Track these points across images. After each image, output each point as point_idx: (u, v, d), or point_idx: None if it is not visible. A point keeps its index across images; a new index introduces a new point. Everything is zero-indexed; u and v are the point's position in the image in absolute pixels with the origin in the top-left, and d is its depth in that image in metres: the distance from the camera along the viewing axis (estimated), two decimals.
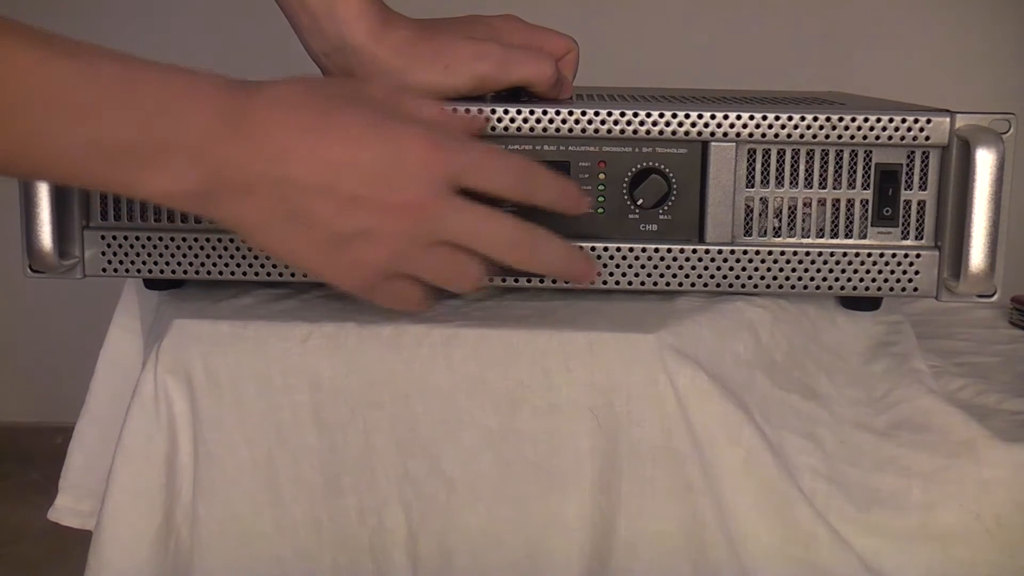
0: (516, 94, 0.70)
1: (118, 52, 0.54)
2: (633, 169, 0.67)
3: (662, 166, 0.67)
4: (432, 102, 0.63)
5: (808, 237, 0.68)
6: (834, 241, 0.68)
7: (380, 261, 0.58)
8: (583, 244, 0.67)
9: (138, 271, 0.69)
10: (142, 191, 0.55)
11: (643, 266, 0.68)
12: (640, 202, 0.67)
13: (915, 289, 0.68)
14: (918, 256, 0.67)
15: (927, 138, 0.66)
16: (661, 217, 0.68)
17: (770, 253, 0.68)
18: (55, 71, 0.51)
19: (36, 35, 0.51)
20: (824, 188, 0.67)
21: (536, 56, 0.69)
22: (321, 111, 0.57)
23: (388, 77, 0.67)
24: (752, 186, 0.67)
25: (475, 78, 0.68)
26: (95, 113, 0.52)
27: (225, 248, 0.68)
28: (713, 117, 0.66)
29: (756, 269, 0.68)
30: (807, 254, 0.68)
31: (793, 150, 0.67)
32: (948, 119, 0.66)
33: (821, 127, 0.66)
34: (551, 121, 0.66)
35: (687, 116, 0.66)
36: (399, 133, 0.57)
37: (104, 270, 0.69)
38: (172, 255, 0.68)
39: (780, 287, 0.68)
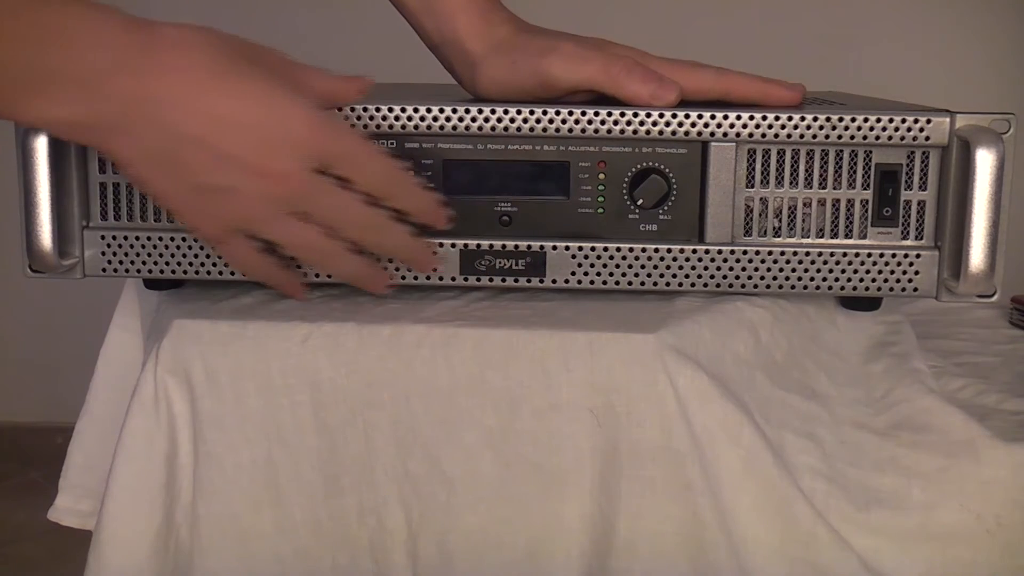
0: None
1: None
2: (633, 169, 0.67)
3: (662, 166, 0.67)
4: (327, 75, 0.64)
5: (808, 237, 0.68)
6: (834, 241, 0.68)
7: (236, 217, 0.61)
8: (583, 244, 0.67)
9: (138, 271, 0.69)
10: (28, 115, 0.57)
11: (643, 266, 0.68)
12: (640, 202, 0.67)
13: (915, 289, 0.68)
14: (918, 256, 0.67)
15: (927, 138, 0.66)
16: (661, 217, 0.68)
17: (770, 253, 0.68)
18: None
19: None
20: (824, 188, 0.67)
21: (645, 75, 0.67)
22: (216, 64, 0.58)
23: (485, 73, 0.69)
24: (752, 186, 0.67)
25: (580, 78, 0.68)
26: None
27: None
28: (713, 117, 0.66)
29: (756, 269, 0.68)
30: (807, 254, 0.68)
31: (793, 150, 0.67)
32: (948, 119, 0.66)
33: (821, 127, 0.66)
34: (551, 121, 0.66)
35: (687, 116, 0.66)
36: (287, 104, 0.59)
37: (104, 270, 0.69)
38: (172, 255, 0.68)
39: (780, 287, 0.68)
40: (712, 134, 0.66)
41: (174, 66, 0.58)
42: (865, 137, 0.66)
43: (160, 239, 0.68)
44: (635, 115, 0.66)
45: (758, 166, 0.67)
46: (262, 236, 0.62)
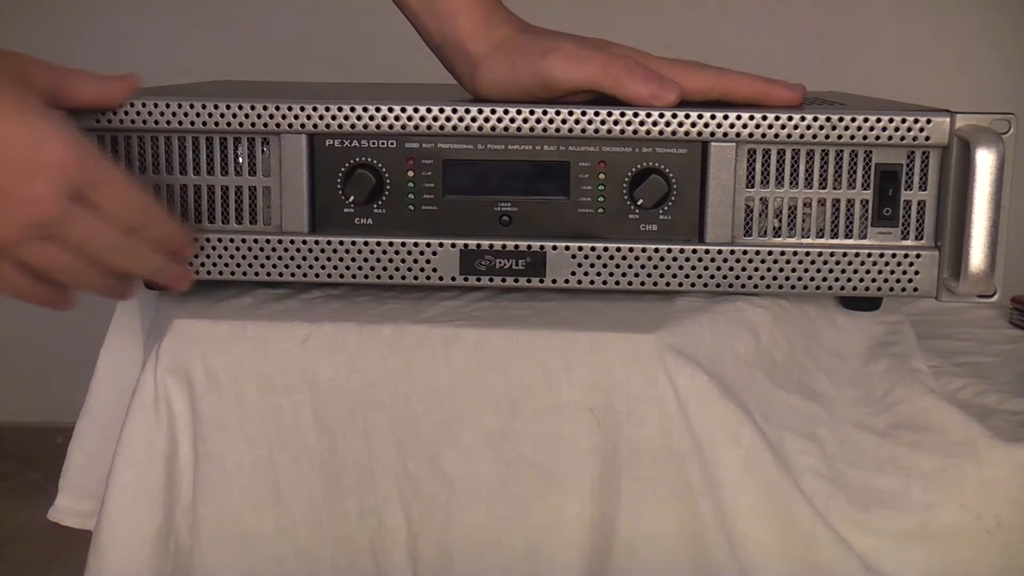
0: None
1: None
2: (633, 169, 0.67)
3: (662, 166, 0.67)
4: (93, 78, 0.64)
5: (808, 237, 0.68)
6: (834, 241, 0.68)
7: (9, 241, 0.59)
8: (583, 244, 0.67)
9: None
10: None
11: (643, 266, 0.68)
12: (640, 202, 0.67)
13: (915, 289, 0.68)
14: (918, 256, 0.68)
15: (927, 138, 0.66)
16: (661, 217, 0.68)
17: (770, 253, 0.68)
18: None
19: None
20: (824, 188, 0.67)
21: (646, 75, 0.67)
22: None
23: (485, 73, 0.69)
24: (752, 186, 0.67)
25: (581, 78, 0.67)
26: None
27: (225, 248, 0.68)
28: (713, 117, 0.66)
29: (756, 269, 0.68)
30: (807, 254, 0.68)
31: (793, 150, 0.67)
32: (948, 119, 0.66)
33: (821, 127, 0.66)
34: (551, 121, 0.66)
35: (687, 116, 0.66)
36: (46, 129, 0.58)
37: None
38: None
39: (780, 287, 0.68)
40: (712, 134, 0.66)
41: None
42: (865, 137, 0.66)
43: None
44: (635, 115, 0.66)
45: (758, 166, 0.67)
46: (18, 259, 0.61)
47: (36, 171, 0.57)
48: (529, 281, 0.68)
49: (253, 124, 0.67)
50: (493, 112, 0.66)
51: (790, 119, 0.66)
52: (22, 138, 0.57)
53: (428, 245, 0.68)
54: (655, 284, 0.68)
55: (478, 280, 0.68)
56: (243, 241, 0.68)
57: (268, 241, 0.68)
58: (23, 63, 0.60)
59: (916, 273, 0.68)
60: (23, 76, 0.60)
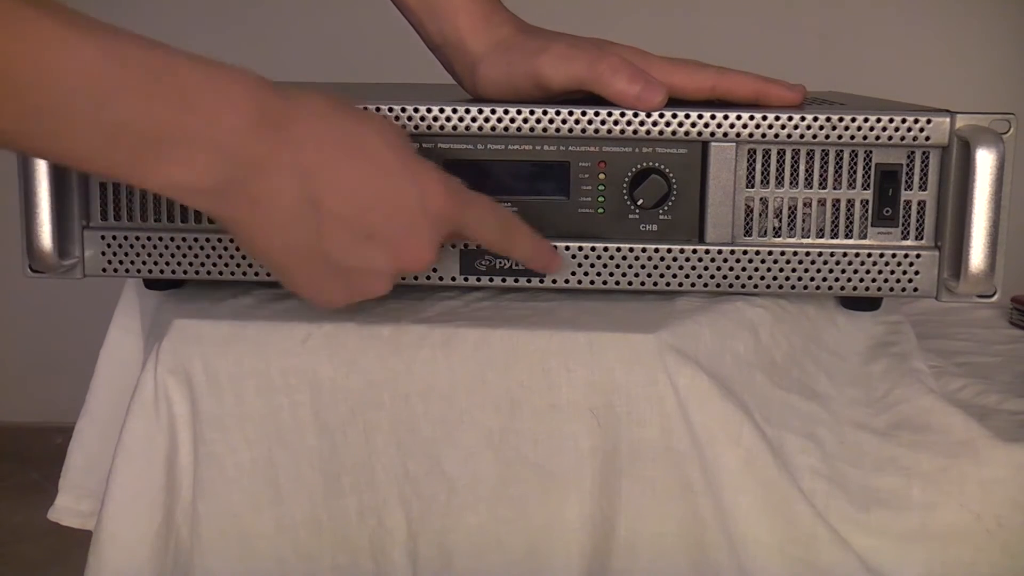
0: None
1: (150, 39, 0.53)
2: (633, 169, 0.67)
3: (662, 166, 0.67)
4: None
5: (808, 237, 0.68)
6: (834, 241, 0.68)
7: (362, 293, 0.60)
8: (583, 244, 0.67)
9: (138, 271, 0.69)
10: (155, 182, 0.53)
11: (643, 266, 0.68)
12: (640, 202, 0.67)
13: (915, 289, 0.68)
14: (918, 256, 0.67)
15: (927, 138, 0.66)
16: (661, 217, 0.68)
17: (770, 253, 0.68)
18: (81, 50, 0.50)
19: (64, 11, 0.50)
20: (824, 188, 0.67)
21: (633, 75, 0.66)
22: (354, 134, 0.57)
23: (483, 73, 0.69)
24: (752, 186, 0.67)
25: (568, 77, 0.67)
26: (120, 98, 0.51)
27: (225, 248, 0.68)
28: (713, 117, 0.66)
29: (756, 269, 0.68)
30: (807, 254, 0.68)
31: (793, 150, 0.67)
32: (948, 119, 0.66)
33: (821, 127, 0.66)
34: (551, 121, 0.66)
35: (687, 116, 0.66)
36: (423, 177, 0.58)
37: (104, 270, 0.69)
38: (172, 255, 0.68)
39: (780, 287, 0.68)
40: (712, 134, 0.66)
41: (317, 137, 0.55)
42: (865, 137, 0.66)
43: (160, 239, 0.68)
44: (635, 115, 0.66)
45: (758, 166, 0.67)
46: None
47: (420, 223, 0.58)
48: (529, 281, 0.68)
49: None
50: (493, 112, 0.66)
51: (790, 119, 0.66)
52: (405, 192, 0.57)
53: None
54: (655, 284, 0.68)
55: (478, 280, 0.68)
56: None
57: None
58: (376, 116, 0.60)
59: (916, 273, 0.68)
60: (387, 126, 0.59)
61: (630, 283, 0.68)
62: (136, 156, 0.52)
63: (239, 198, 0.55)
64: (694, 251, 0.68)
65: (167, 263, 0.69)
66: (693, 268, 0.68)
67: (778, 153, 0.67)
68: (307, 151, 0.55)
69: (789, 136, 0.66)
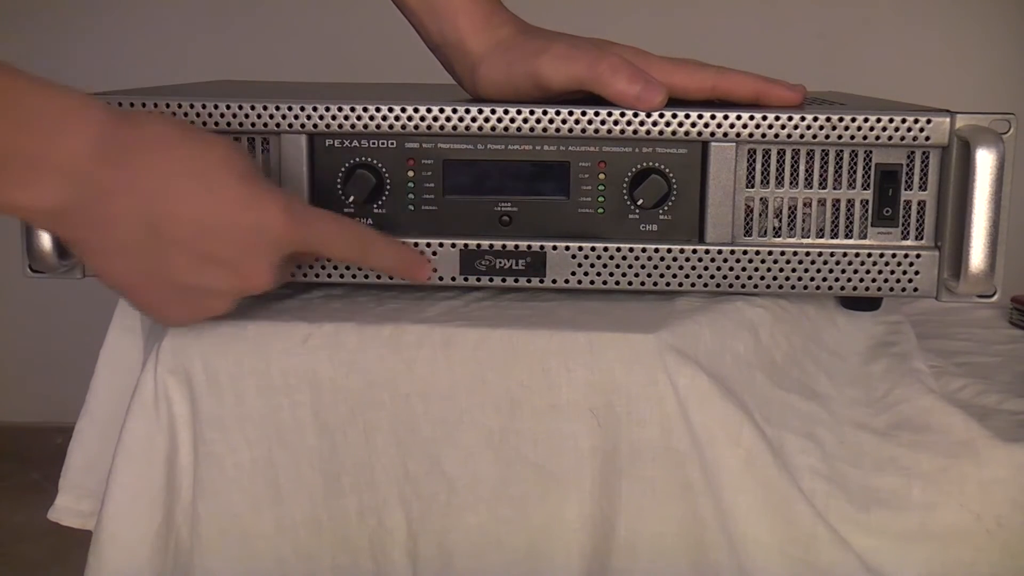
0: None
1: (2, 62, 0.54)
2: (633, 169, 0.67)
3: (662, 166, 0.67)
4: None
5: (808, 237, 0.68)
6: (834, 241, 0.68)
7: (207, 311, 0.62)
8: (583, 244, 0.67)
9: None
10: (2, 203, 0.55)
11: (643, 266, 0.68)
12: (640, 202, 0.67)
13: (915, 289, 0.68)
14: (918, 256, 0.68)
15: (927, 138, 0.66)
16: (661, 217, 0.68)
17: (770, 253, 0.68)
18: None
19: None
20: (824, 188, 0.67)
21: (633, 75, 0.66)
22: (195, 161, 0.59)
23: (483, 73, 0.70)
24: (752, 186, 0.67)
25: (568, 77, 0.67)
26: None
27: None
28: (713, 117, 0.66)
29: (756, 269, 0.68)
30: (807, 254, 0.68)
31: (793, 150, 0.67)
32: (948, 119, 0.66)
33: (821, 127, 0.66)
34: (551, 121, 0.66)
35: (687, 116, 0.66)
36: (263, 200, 0.60)
37: None
38: None
39: (780, 287, 0.68)
40: (712, 134, 0.66)
41: (160, 163, 0.57)
42: (865, 137, 0.66)
43: None
44: (635, 115, 0.66)
45: (758, 166, 0.67)
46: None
47: (259, 246, 0.60)
48: (529, 281, 0.68)
49: (253, 124, 0.67)
50: (493, 112, 0.66)
51: (790, 119, 0.66)
52: (244, 215, 0.59)
53: (428, 245, 0.68)
54: (655, 284, 0.68)
55: (478, 280, 0.68)
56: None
57: None
58: (224, 141, 0.61)
59: (916, 273, 0.68)
60: (232, 151, 0.60)
61: (630, 283, 0.68)
62: None
63: (82, 221, 0.57)
64: (694, 251, 0.68)
65: None
66: (693, 268, 0.68)
67: (778, 153, 0.67)
68: (148, 177, 0.57)
69: (789, 136, 0.66)
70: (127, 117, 0.58)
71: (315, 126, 0.67)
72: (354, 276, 0.68)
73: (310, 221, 0.62)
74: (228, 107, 0.67)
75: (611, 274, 0.68)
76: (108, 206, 0.57)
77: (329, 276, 0.68)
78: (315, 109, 0.67)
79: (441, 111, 0.66)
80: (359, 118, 0.67)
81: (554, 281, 0.68)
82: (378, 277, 0.68)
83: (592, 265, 0.68)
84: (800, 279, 0.68)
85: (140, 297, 0.61)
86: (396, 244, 0.67)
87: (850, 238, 0.68)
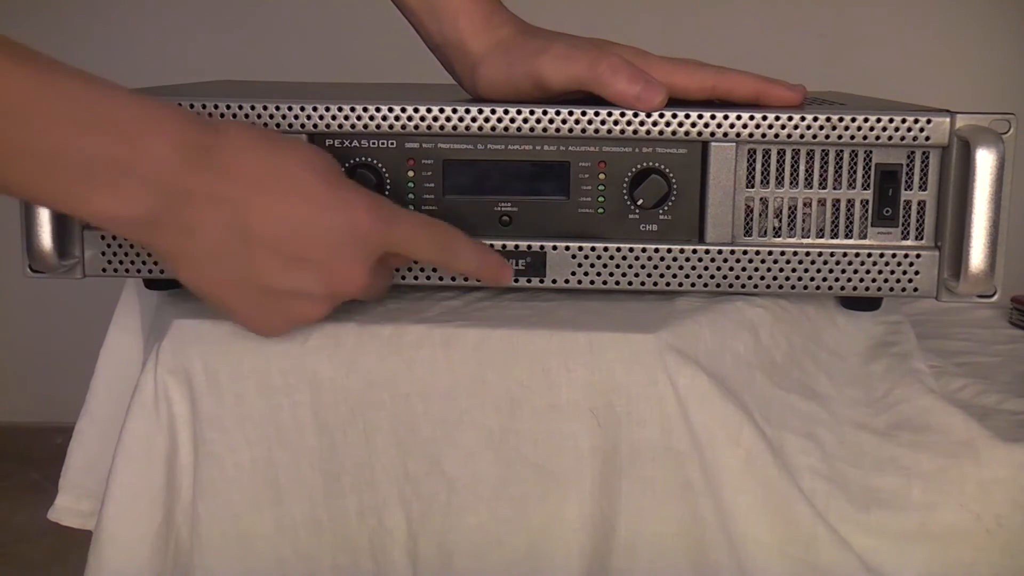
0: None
1: (86, 72, 0.54)
2: (633, 169, 0.67)
3: (662, 166, 0.67)
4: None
5: (808, 237, 0.68)
6: (834, 241, 0.68)
7: (299, 317, 0.62)
8: (583, 244, 0.67)
9: (138, 271, 0.69)
10: (89, 210, 0.55)
11: (643, 266, 0.68)
12: (640, 202, 0.67)
13: (915, 289, 0.68)
14: (918, 256, 0.68)
15: (927, 138, 0.66)
16: (661, 217, 0.68)
17: (770, 253, 0.68)
18: (18, 80, 0.51)
19: (2, 41, 0.52)
20: (824, 188, 0.67)
21: (633, 75, 0.66)
22: (280, 164, 0.59)
23: (483, 73, 0.69)
24: (752, 186, 0.67)
25: (568, 78, 0.67)
26: (56, 127, 0.52)
27: None
28: (713, 117, 0.66)
29: (756, 269, 0.68)
30: (807, 254, 0.68)
31: (793, 150, 0.67)
32: (948, 119, 0.66)
33: (821, 127, 0.66)
34: (551, 121, 0.66)
35: (687, 116, 0.66)
36: (350, 200, 0.60)
37: (104, 270, 0.69)
38: None
39: (780, 287, 0.68)
40: (712, 134, 0.66)
41: (245, 166, 0.57)
42: (865, 137, 0.66)
43: None
44: (635, 115, 0.66)
45: (758, 166, 0.67)
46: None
47: (350, 246, 0.59)
48: (529, 281, 0.68)
49: (253, 124, 0.67)
50: (493, 112, 0.66)
51: (790, 119, 0.66)
52: (334, 214, 0.59)
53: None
54: (655, 284, 0.68)
55: (478, 280, 0.68)
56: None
57: None
58: (303, 143, 0.62)
59: (916, 273, 0.68)
60: (313, 153, 0.61)
61: (630, 283, 0.68)
62: (70, 186, 0.54)
63: (170, 229, 0.57)
64: (694, 251, 0.68)
65: None
66: (693, 268, 0.68)
67: (778, 153, 0.67)
68: (236, 181, 0.57)
69: (789, 136, 0.66)
70: (208, 123, 0.58)
71: (315, 126, 0.67)
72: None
73: (397, 221, 0.61)
74: (228, 107, 0.67)
75: (611, 274, 0.68)
76: (195, 213, 0.56)
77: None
78: (315, 109, 0.67)
79: (441, 111, 0.66)
80: (359, 118, 0.67)
81: (554, 281, 0.68)
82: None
83: (592, 265, 0.68)
84: (800, 279, 0.68)
85: (233, 305, 0.61)
86: (480, 247, 0.66)
87: (850, 238, 0.68)
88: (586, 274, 0.68)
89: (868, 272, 0.68)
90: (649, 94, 0.66)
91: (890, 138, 0.66)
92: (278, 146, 0.59)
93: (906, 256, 0.67)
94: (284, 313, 0.61)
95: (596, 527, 0.64)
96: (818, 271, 0.68)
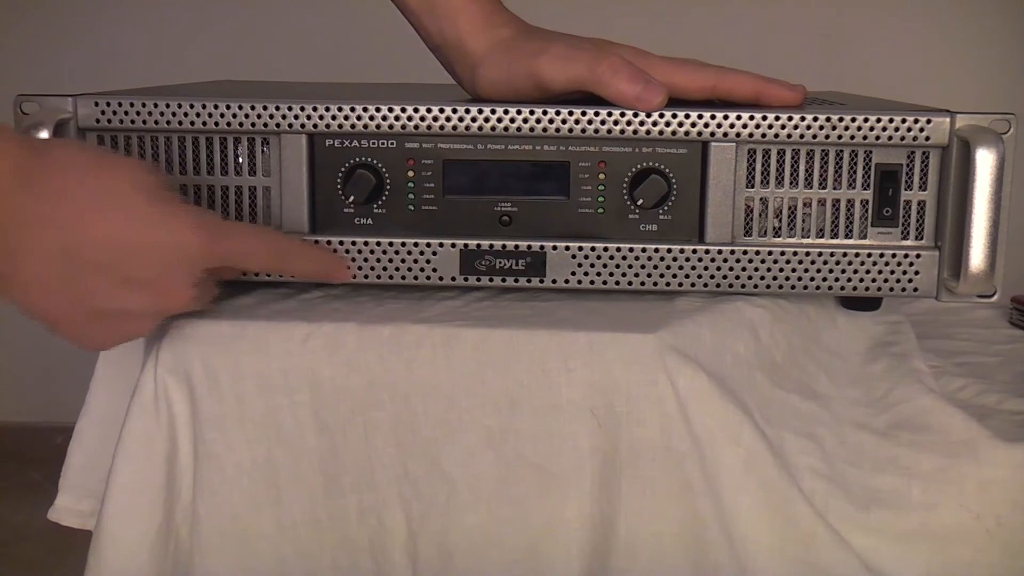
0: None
1: None
2: (633, 169, 0.67)
3: (662, 166, 0.67)
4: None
5: (808, 237, 0.68)
6: (834, 241, 0.68)
7: (128, 334, 0.62)
8: (583, 244, 0.67)
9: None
10: None
11: (643, 266, 0.68)
12: (640, 202, 0.67)
13: (915, 289, 0.68)
14: (918, 256, 0.68)
15: (927, 138, 0.66)
16: (661, 217, 0.68)
17: (770, 253, 0.68)
18: None
19: None
20: (824, 188, 0.67)
21: (632, 75, 0.66)
22: (106, 185, 0.59)
23: (483, 73, 0.69)
24: (752, 186, 0.67)
25: (568, 78, 0.67)
26: None
27: None
28: (713, 117, 0.66)
29: (756, 269, 0.68)
30: (807, 254, 0.68)
31: (793, 150, 0.67)
32: (948, 119, 0.66)
33: (821, 127, 0.66)
34: (551, 121, 0.66)
35: (687, 116, 0.66)
36: (177, 219, 0.59)
37: None
38: None
39: (780, 287, 0.68)
40: (712, 134, 0.66)
41: (74, 189, 0.58)
42: (865, 137, 0.66)
43: None
44: (635, 115, 0.66)
45: (758, 166, 0.67)
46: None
47: (178, 263, 0.59)
48: (529, 281, 0.68)
49: (253, 124, 0.67)
50: (493, 112, 0.66)
51: (790, 119, 0.66)
52: (160, 233, 0.59)
53: (428, 245, 0.68)
54: (655, 284, 0.68)
55: (478, 280, 0.68)
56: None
57: None
58: (134, 164, 0.61)
59: (916, 273, 0.68)
60: (144, 173, 0.60)
61: (630, 283, 0.68)
62: None
63: (1, 254, 0.57)
64: (694, 251, 0.68)
65: None
66: (693, 268, 0.68)
67: (778, 153, 0.67)
68: (61, 204, 0.57)
69: (789, 136, 0.66)
70: (36, 146, 0.58)
71: (315, 126, 0.67)
72: (354, 276, 0.68)
73: (226, 235, 0.62)
74: (228, 107, 0.67)
75: (611, 274, 0.68)
76: (24, 236, 0.57)
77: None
78: (315, 109, 0.67)
79: (441, 111, 0.66)
80: (359, 118, 0.67)
81: (554, 281, 0.68)
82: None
83: (592, 265, 0.68)
84: (800, 279, 0.68)
85: (62, 326, 0.61)
86: (314, 249, 0.67)
87: (850, 238, 0.68)
88: (586, 274, 0.68)
89: (868, 272, 0.68)
90: (649, 94, 0.66)
91: (890, 138, 0.66)
92: (107, 167, 0.59)
93: (906, 256, 0.67)
94: (113, 331, 0.62)
95: (596, 527, 0.64)
96: (818, 271, 0.68)
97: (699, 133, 0.66)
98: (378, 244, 0.68)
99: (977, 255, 0.64)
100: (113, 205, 0.58)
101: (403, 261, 0.68)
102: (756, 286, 0.68)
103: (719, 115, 0.66)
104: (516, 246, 0.68)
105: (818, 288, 0.68)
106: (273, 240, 0.65)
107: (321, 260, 0.67)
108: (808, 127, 0.66)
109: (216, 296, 0.65)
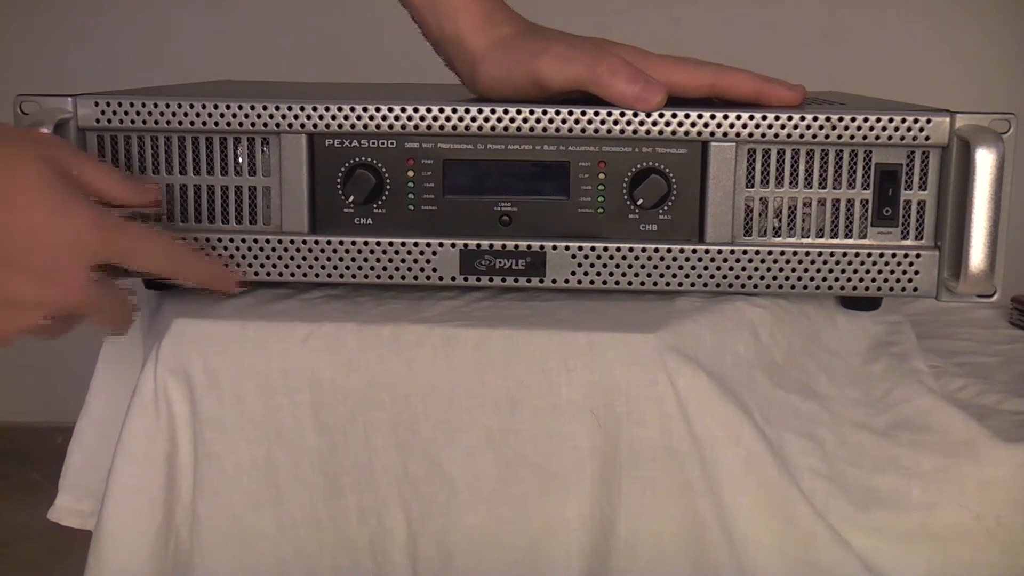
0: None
1: None
2: (633, 169, 0.67)
3: (662, 166, 0.67)
4: (109, 170, 0.64)
5: (808, 237, 0.68)
6: (834, 241, 0.68)
7: (25, 328, 0.60)
8: (583, 244, 0.67)
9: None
10: None
11: (643, 266, 0.68)
12: (640, 202, 0.67)
13: (915, 289, 0.68)
14: (918, 256, 0.67)
15: (927, 138, 0.66)
16: (661, 217, 0.68)
17: (770, 253, 0.68)
18: None
19: None
20: (824, 188, 0.67)
21: (632, 75, 0.66)
22: (6, 170, 0.58)
23: (484, 71, 0.69)
24: (752, 186, 0.67)
25: (567, 78, 0.67)
26: None
27: (225, 248, 0.68)
28: (713, 117, 0.66)
29: (756, 269, 0.68)
30: (807, 254, 0.68)
31: (793, 150, 0.67)
32: (948, 119, 0.66)
33: (821, 127, 0.66)
34: (551, 121, 0.66)
35: (687, 116, 0.66)
36: (74, 209, 0.59)
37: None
38: None
39: (780, 287, 0.68)
40: (712, 134, 0.66)
41: None
42: (865, 137, 0.66)
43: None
44: (635, 115, 0.66)
45: (758, 166, 0.67)
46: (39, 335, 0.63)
47: (68, 251, 0.58)
48: (529, 281, 0.68)
49: (253, 124, 0.67)
50: (493, 112, 0.66)
51: (790, 119, 0.66)
52: (53, 226, 0.58)
53: (428, 245, 0.68)
54: (655, 284, 0.68)
55: (478, 280, 0.68)
56: (243, 241, 0.68)
57: (268, 241, 0.68)
58: (46, 145, 0.61)
59: (916, 273, 0.68)
60: (47, 157, 0.60)
61: (630, 283, 0.68)
62: None
63: None
64: (694, 251, 0.68)
65: None
66: (693, 268, 0.68)
67: (778, 153, 0.67)
68: None
69: (789, 136, 0.66)
70: None
71: (315, 126, 0.67)
72: (354, 276, 0.68)
73: (122, 232, 0.61)
74: (228, 107, 0.67)
75: (611, 274, 0.68)
76: None
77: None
78: (315, 109, 0.67)
79: (441, 111, 0.66)
80: (359, 118, 0.67)
81: (554, 281, 0.68)
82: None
83: (592, 265, 0.68)
84: (800, 279, 0.68)
85: None
86: (205, 259, 0.67)
87: (850, 238, 0.68)
88: (586, 274, 0.68)
89: (868, 272, 0.68)
90: (648, 94, 0.66)
91: (890, 138, 0.66)
92: (5, 151, 0.59)
93: (906, 256, 0.67)
94: (4, 322, 0.60)
95: (596, 527, 0.64)
96: (818, 271, 0.68)
97: (699, 133, 0.66)
98: (378, 244, 0.68)
99: (977, 255, 0.64)
100: (11, 188, 0.57)
101: (403, 261, 0.68)
102: (756, 286, 0.68)
103: (719, 115, 0.66)
104: (516, 246, 0.68)
105: (818, 288, 0.68)
106: (167, 244, 0.64)
107: (210, 272, 0.67)
108: (808, 127, 0.66)
109: (123, 300, 0.63)
